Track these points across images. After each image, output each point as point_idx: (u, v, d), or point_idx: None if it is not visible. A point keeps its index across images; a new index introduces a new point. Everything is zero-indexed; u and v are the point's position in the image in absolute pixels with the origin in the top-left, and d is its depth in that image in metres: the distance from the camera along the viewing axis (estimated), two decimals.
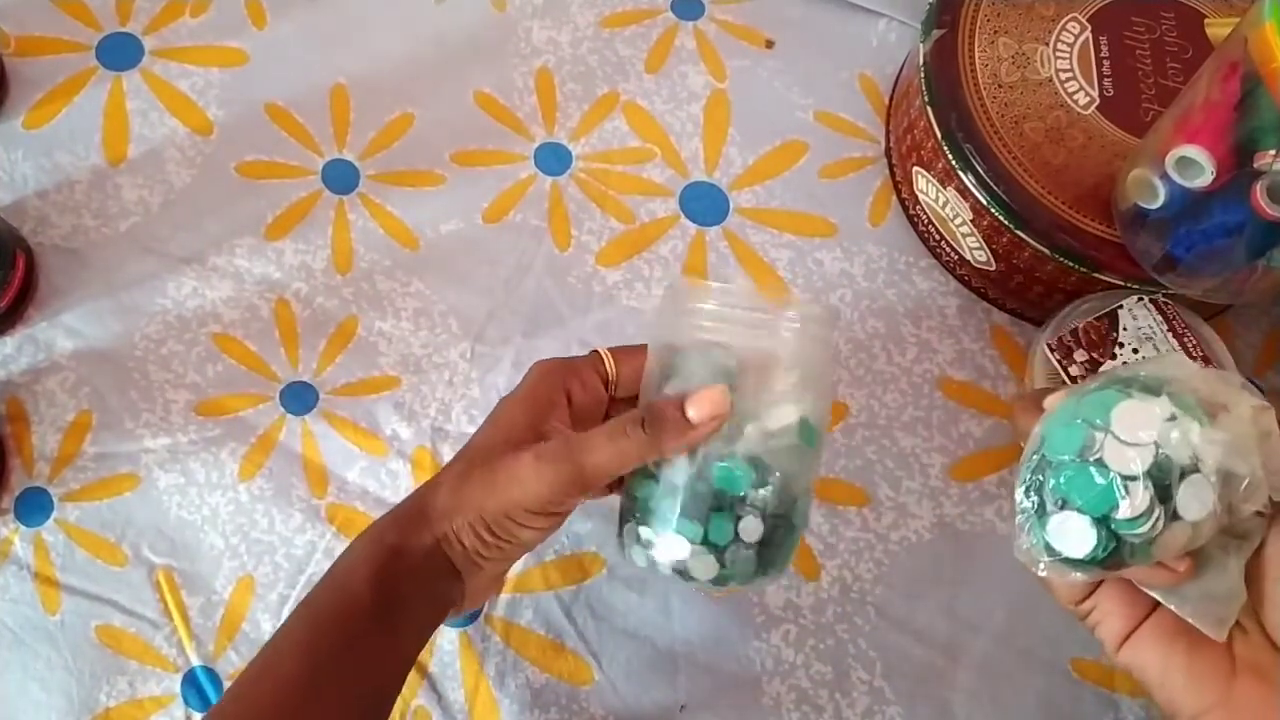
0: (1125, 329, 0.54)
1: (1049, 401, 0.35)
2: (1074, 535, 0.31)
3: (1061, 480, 0.31)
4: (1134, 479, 0.30)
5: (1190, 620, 0.33)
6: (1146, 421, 0.30)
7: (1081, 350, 0.54)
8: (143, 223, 0.61)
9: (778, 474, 0.41)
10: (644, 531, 0.42)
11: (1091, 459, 0.31)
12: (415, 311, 0.60)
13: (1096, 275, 0.55)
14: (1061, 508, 0.31)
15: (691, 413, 0.40)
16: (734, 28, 0.68)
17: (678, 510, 0.41)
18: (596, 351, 0.46)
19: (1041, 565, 0.32)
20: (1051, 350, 0.54)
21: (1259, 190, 0.45)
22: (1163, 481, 0.30)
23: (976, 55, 0.59)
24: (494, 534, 0.42)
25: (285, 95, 0.65)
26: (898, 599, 0.56)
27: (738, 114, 0.66)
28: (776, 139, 0.65)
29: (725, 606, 0.56)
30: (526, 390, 0.45)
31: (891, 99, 0.66)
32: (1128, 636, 0.35)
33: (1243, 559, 0.33)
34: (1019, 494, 0.33)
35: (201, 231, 0.61)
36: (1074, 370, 0.53)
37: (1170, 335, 0.54)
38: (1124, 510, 0.30)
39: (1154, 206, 0.51)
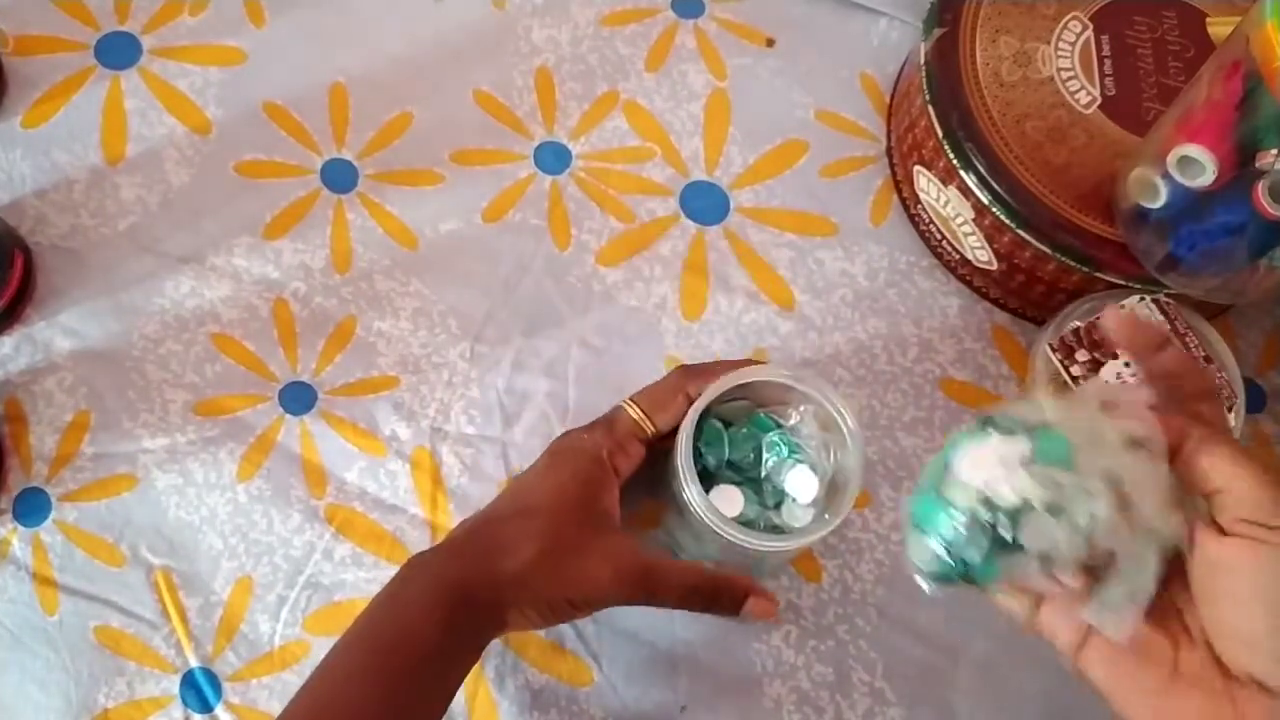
0: None
1: None
2: (924, 553, 0.36)
3: (915, 507, 0.36)
4: (958, 510, 0.34)
5: (1092, 623, 0.36)
6: (980, 462, 0.34)
7: (1083, 350, 0.54)
8: (141, 222, 0.61)
9: None
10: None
11: (939, 491, 0.35)
12: (414, 311, 0.60)
13: (1098, 275, 0.55)
14: (916, 529, 0.36)
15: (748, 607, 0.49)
16: (734, 26, 0.68)
17: None
18: (627, 411, 0.51)
19: (915, 574, 0.37)
20: (1053, 350, 0.54)
21: (1261, 190, 0.45)
22: (988, 516, 0.34)
23: (978, 54, 0.58)
24: (554, 613, 0.47)
25: (284, 94, 0.64)
26: (899, 600, 0.56)
27: (738, 113, 0.66)
28: (777, 138, 0.65)
29: None
30: (579, 471, 0.49)
31: (892, 98, 0.66)
32: (1081, 647, 0.37)
33: (1150, 559, 0.35)
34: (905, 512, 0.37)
35: (200, 231, 0.61)
36: (1075, 370, 0.53)
37: (1172, 335, 0.54)
38: (950, 537, 0.34)
39: (1156, 206, 0.51)
